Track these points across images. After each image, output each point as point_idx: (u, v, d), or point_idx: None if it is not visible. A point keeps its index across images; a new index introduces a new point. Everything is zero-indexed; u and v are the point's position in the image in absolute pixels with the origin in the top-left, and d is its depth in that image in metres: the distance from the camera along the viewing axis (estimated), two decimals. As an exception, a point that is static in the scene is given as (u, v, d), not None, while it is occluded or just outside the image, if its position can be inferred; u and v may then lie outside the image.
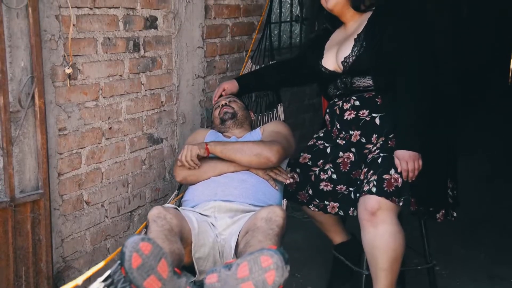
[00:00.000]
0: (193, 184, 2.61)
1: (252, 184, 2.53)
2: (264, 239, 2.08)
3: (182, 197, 2.68)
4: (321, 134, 2.78)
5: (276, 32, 4.24)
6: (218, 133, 2.82)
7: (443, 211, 2.59)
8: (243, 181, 2.53)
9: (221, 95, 3.00)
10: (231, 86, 3.01)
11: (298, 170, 2.72)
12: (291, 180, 2.63)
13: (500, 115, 6.96)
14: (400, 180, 2.41)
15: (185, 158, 2.54)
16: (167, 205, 2.41)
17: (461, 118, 5.53)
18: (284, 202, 2.57)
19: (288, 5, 4.42)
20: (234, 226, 2.35)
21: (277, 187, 2.58)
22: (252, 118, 3.02)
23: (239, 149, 2.53)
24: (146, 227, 2.22)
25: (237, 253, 2.22)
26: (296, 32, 4.56)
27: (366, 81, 2.57)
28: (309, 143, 2.79)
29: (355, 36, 2.59)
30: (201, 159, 2.57)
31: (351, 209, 2.55)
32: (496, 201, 4.27)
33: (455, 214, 2.63)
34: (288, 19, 4.44)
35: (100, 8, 2.55)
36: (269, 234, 2.11)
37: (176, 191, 2.76)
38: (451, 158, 2.63)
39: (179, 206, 2.55)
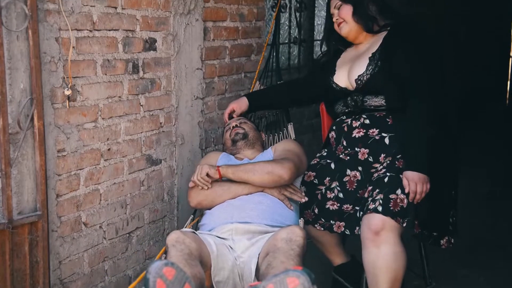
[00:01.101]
0: (207, 209, 2.60)
1: (268, 205, 2.51)
2: (287, 260, 2.07)
3: (198, 221, 2.67)
4: (324, 153, 2.78)
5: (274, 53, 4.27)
6: (230, 155, 2.82)
7: (447, 238, 2.58)
8: (259, 203, 2.51)
9: (230, 116, 3.01)
10: (240, 105, 3.00)
11: (303, 188, 2.72)
12: (306, 198, 2.61)
13: (498, 136, 6.98)
14: (405, 201, 2.40)
15: (196, 177, 2.54)
16: (185, 229, 2.40)
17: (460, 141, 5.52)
18: (301, 221, 2.57)
19: (287, 27, 4.46)
20: (253, 248, 2.34)
21: (292, 207, 2.57)
22: (263, 139, 3.01)
23: (251, 169, 2.52)
24: (165, 252, 2.21)
25: (258, 276, 2.20)
26: (294, 53, 4.60)
27: (378, 101, 2.57)
28: (312, 162, 2.79)
29: (369, 55, 2.60)
30: (215, 182, 2.57)
31: (357, 228, 2.54)
32: (496, 222, 4.26)
33: (452, 241, 2.62)
34: (286, 41, 4.47)
35: (100, 30, 2.57)
36: (290, 254, 2.10)
37: (192, 215, 2.75)
38: (453, 184, 2.63)
39: (196, 230, 2.53)
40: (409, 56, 2.50)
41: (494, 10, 8.13)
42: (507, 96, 9.12)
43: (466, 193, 3.26)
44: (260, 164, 2.54)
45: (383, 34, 2.63)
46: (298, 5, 4.44)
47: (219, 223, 2.47)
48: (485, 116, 7.83)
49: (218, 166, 2.55)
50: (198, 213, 2.75)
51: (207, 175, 2.53)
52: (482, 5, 7.75)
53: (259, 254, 2.24)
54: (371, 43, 2.65)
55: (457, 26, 7.35)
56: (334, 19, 2.71)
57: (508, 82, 9.10)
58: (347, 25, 2.66)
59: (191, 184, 2.59)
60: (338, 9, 2.67)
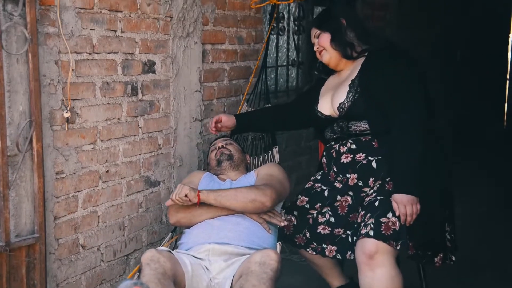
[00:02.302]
0: (186, 227, 2.60)
1: (246, 227, 2.52)
2: (258, 283, 2.09)
3: (177, 239, 2.66)
4: (318, 177, 2.79)
5: (273, 75, 4.30)
6: (213, 175, 2.82)
7: (441, 255, 2.57)
8: (237, 224, 2.52)
9: (216, 127, 3.01)
10: (228, 120, 3.00)
11: (295, 213, 2.72)
12: (286, 222, 2.62)
13: (496, 158, 6.99)
14: (397, 223, 2.40)
15: (175, 196, 2.51)
16: (161, 248, 2.39)
17: (455, 161, 5.53)
18: (279, 245, 2.56)
19: (285, 50, 4.49)
20: (228, 270, 2.34)
21: (270, 231, 2.57)
22: (248, 161, 3.02)
23: (233, 196, 2.51)
24: (140, 270, 2.21)
25: None
26: (292, 76, 4.62)
27: (362, 125, 2.59)
28: (307, 186, 2.79)
29: (349, 82, 2.62)
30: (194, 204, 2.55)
31: (349, 252, 2.54)
32: (495, 243, 4.24)
33: (453, 258, 2.62)
34: (284, 63, 4.50)
35: (99, 53, 2.59)
36: (263, 278, 2.11)
37: (171, 233, 2.75)
38: (448, 201, 2.63)
39: (174, 249, 2.53)
40: (388, 80, 2.51)
41: (490, 32, 8.20)
42: (505, 118, 9.13)
43: (464, 214, 3.27)
44: (243, 191, 2.53)
45: (361, 60, 2.66)
46: (296, 28, 4.48)
47: (197, 243, 2.47)
48: (483, 138, 7.84)
49: (199, 191, 2.52)
50: (178, 230, 2.74)
51: (186, 196, 2.50)
52: (479, 27, 7.82)
53: (233, 276, 2.24)
54: (351, 70, 2.68)
55: (454, 48, 7.40)
56: (315, 48, 2.75)
57: (506, 104, 9.12)
58: (327, 53, 2.70)
59: (168, 203, 2.57)
60: (318, 37, 2.72)
